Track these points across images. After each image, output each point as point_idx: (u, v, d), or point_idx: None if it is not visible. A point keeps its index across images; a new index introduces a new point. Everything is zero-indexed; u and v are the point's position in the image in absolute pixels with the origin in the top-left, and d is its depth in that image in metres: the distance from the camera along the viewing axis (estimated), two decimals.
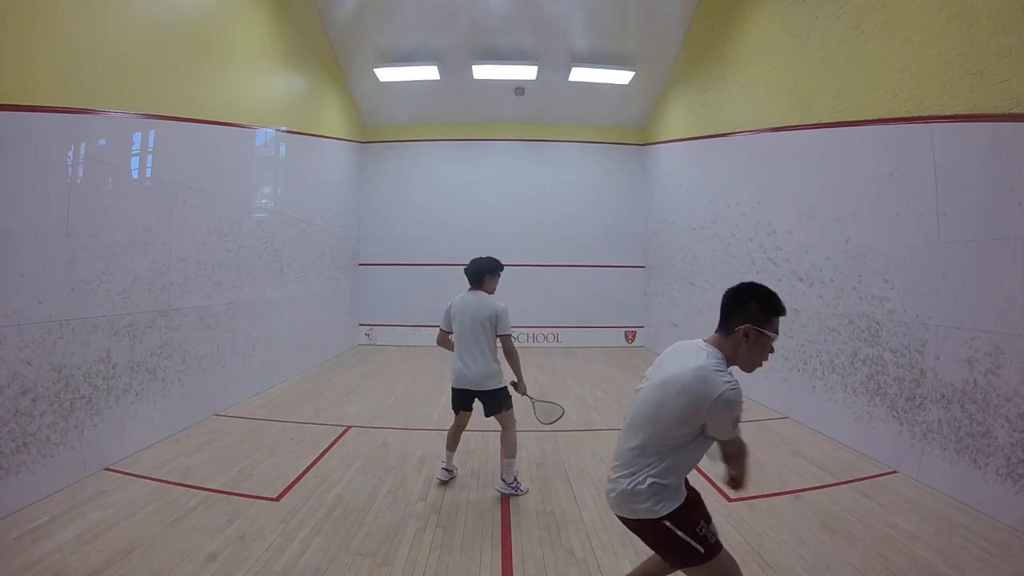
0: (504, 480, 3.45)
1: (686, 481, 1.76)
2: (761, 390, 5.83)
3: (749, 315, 1.65)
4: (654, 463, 1.65)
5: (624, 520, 1.76)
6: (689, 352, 1.70)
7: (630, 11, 7.99)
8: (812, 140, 5.01)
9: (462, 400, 3.54)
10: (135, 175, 4.17)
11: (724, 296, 1.73)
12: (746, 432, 5.48)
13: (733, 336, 1.67)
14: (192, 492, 3.37)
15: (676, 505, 1.65)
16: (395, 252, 10.62)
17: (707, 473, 3.81)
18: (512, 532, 2.94)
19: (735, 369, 1.69)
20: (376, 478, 3.69)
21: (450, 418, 3.77)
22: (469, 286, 3.59)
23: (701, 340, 1.74)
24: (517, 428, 3.55)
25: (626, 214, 10.71)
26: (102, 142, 3.78)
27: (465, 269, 3.61)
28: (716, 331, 1.73)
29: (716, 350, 1.67)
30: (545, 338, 10.47)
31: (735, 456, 1.78)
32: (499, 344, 3.49)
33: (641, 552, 2.73)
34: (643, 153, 10.69)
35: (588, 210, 10.65)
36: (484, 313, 3.42)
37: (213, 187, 5.21)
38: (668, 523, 1.64)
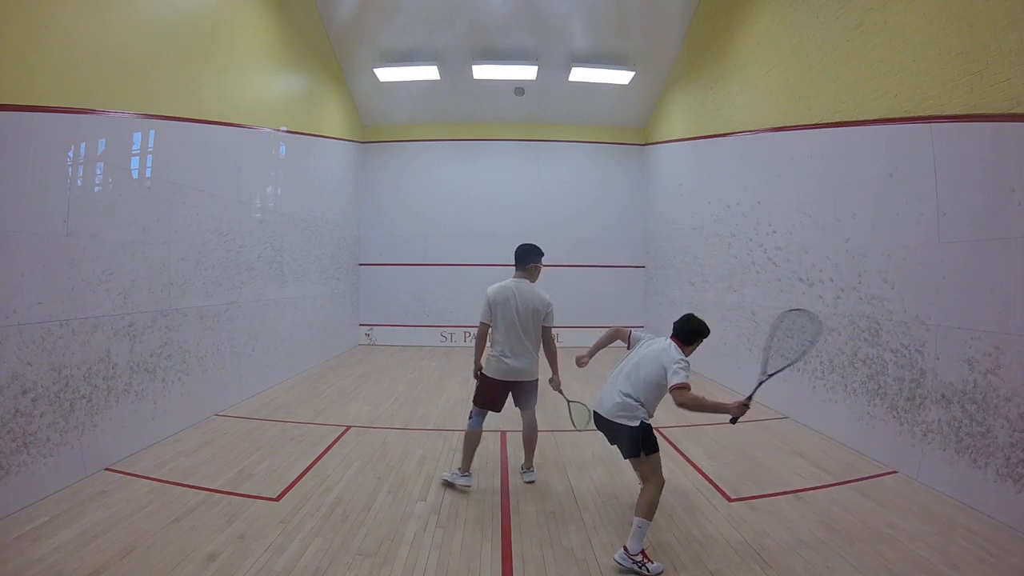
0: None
1: None
2: (761, 390, 5.82)
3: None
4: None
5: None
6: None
7: (630, 11, 7.98)
8: (812, 140, 5.01)
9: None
10: (135, 175, 4.16)
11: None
12: (747, 432, 5.44)
13: None
14: (192, 492, 3.37)
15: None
16: (395, 252, 10.62)
17: (706, 472, 3.81)
18: (512, 532, 2.94)
19: None
20: (376, 478, 3.69)
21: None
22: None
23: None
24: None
25: (626, 214, 10.70)
26: (102, 142, 3.78)
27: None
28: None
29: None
30: None
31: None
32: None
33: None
34: (643, 153, 10.69)
35: (588, 210, 10.65)
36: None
37: (213, 187, 5.21)
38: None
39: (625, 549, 2.54)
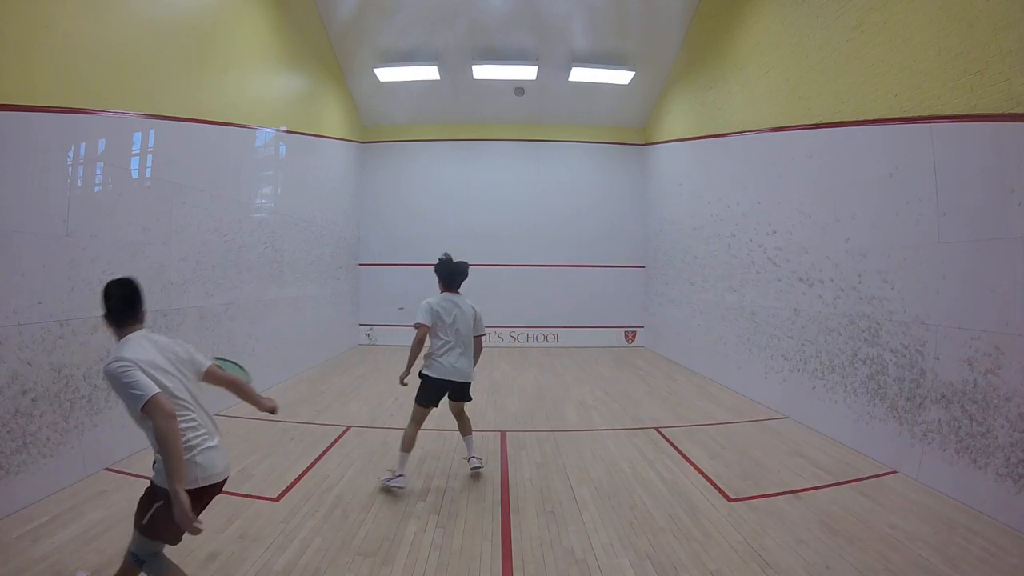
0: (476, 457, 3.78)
1: None
2: (761, 390, 5.84)
3: None
4: None
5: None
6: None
7: (630, 11, 7.99)
8: (812, 140, 5.00)
9: (442, 393, 3.65)
10: (135, 175, 4.16)
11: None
12: (747, 432, 5.42)
13: None
14: None
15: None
16: (395, 252, 10.61)
17: (706, 472, 3.81)
18: (512, 532, 2.94)
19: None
20: (376, 478, 3.68)
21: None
22: (445, 288, 3.98)
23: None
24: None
25: (626, 214, 10.70)
26: (102, 142, 3.78)
27: (448, 269, 3.97)
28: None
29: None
30: (545, 338, 10.47)
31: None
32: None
33: (641, 552, 2.74)
34: (643, 153, 10.69)
35: (588, 210, 10.65)
36: (473, 314, 3.84)
37: (213, 187, 5.21)
38: None
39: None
